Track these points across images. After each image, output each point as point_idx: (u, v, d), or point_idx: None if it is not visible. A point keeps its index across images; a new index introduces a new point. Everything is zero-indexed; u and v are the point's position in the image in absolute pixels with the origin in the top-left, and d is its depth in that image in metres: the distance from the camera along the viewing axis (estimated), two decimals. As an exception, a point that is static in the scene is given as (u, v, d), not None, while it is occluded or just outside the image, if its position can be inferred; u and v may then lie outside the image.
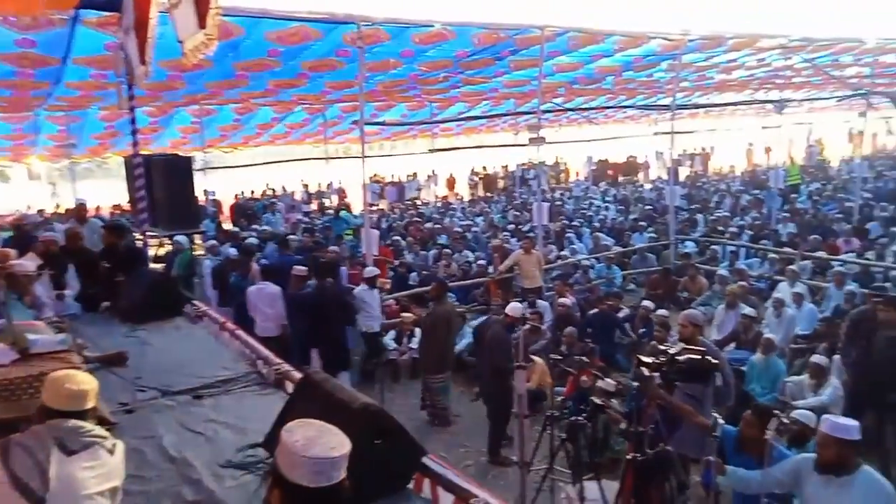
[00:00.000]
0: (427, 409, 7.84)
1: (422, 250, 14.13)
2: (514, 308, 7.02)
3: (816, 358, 6.90)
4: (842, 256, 11.60)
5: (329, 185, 20.47)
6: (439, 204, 22.28)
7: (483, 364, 7.03)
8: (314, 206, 22.83)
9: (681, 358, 4.34)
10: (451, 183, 27.29)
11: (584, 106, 18.62)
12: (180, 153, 15.17)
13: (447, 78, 12.65)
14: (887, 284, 10.03)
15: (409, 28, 9.09)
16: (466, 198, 24.99)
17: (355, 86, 9.34)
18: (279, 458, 1.73)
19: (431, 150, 19.67)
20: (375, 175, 27.88)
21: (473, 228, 16.34)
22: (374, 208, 22.70)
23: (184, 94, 12.87)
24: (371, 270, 8.75)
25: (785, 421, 3.72)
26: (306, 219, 18.82)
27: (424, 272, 12.35)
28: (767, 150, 27.27)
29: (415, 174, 27.55)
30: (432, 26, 9.06)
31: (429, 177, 24.69)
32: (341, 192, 22.70)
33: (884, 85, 18.68)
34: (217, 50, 3.87)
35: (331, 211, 19.11)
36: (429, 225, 17.11)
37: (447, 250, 13.22)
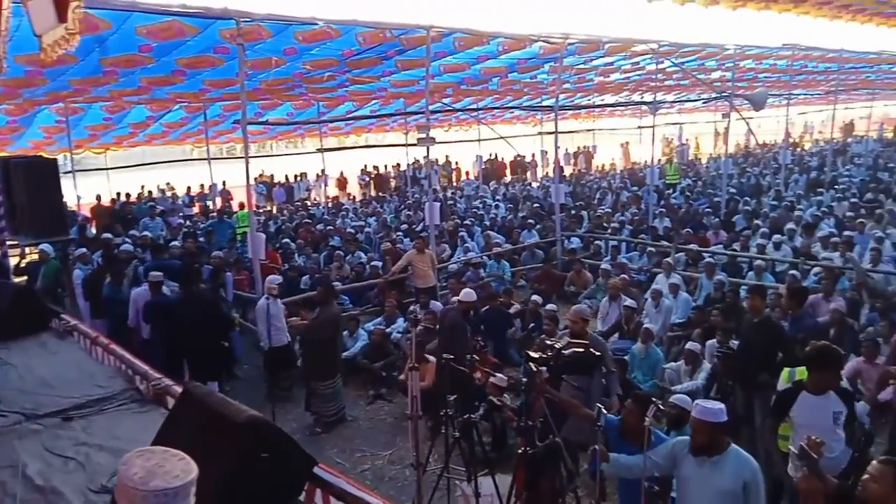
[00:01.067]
0: (314, 416, 7.63)
1: (313, 253, 13.83)
2: (468, 294, 7.42)
3: (690, 345, 7.35)
4: (711, 248, 12.42)
5: (212, 187, 19.59)
6: (330, 204, 21.89)
7: (440, 351, 7.01)
8: (197, 209, 21.82)
9: (566, 352, 4.48)
10: (341, 183, 26.90)
11: (472, 106, 18.91)
12: (44, 154, 14.04)
13: (333, 77, 12.45)
14: (749, 272, 10.89)
15: (292, 25, 8.86)
16: (358, 198, 24.73)
17: (236, 84, 8.97)
18: (117, 496, 1.59)
19: (320, 150, 19.33)
20: (262, 175, 27.08)
21: (366, 229, 16.19)
22: (262, 210, 22.12)
23: (46, 92, 11.91)
24: (273, 279, 8.38)
25: (661, 407, 3.91)
26: (188, 223, 17.96)
27: (316, 275, 12.10)
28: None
29: (304, 174, 26.96)
30: (316, 24, 8.87)
31: (318, 176, 24.15)
32: (226, 195, 21.80)
33: (743, 88, 20.27)
34: (82, 45, 3.58)
35: (214, 214, 18.33)
36: (320, 226, 16.80)
37: (339, 252, 13.02)
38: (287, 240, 14.60)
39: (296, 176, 27.01)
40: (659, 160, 22.85)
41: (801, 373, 4.74)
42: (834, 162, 23.48)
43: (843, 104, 30.46)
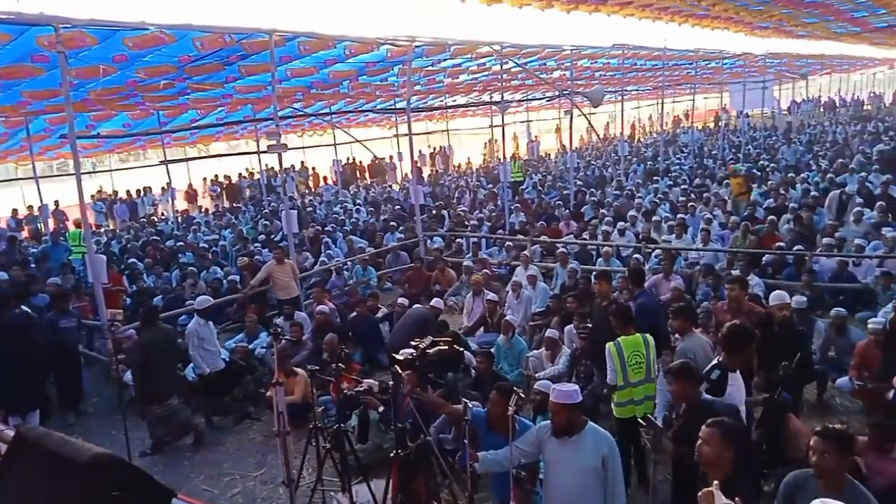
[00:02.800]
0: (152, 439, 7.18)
1: (164, 271, 13.01)
2: (438, 302, 8.47)
3: (549, 332, 7.67)
4: (563, 238, 13.08)
5: (41, 208, 17.84)
6: (180, 219, 20.68)
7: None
8: (26, 232, 19.77)
9: (431, 350, 4.52)
10: (190, 195, 25.46)
11: (324, 111, 18.63)
12: None
13: (172, 84, 11.77)
14: (598, 259, 11.58)
15: (120, 31, 8.25)
16: (210, 210, 23.54)
17: (61, 95, 8.21)
18: None
19: (164, 162, 18.21)
20: (101, 192, 25.08)
21: (221, 242, 15.45)
22: (103, 230, 20.49)
23: None
24: (205, 300, 8.11)
25: (522, 396, 4.05)
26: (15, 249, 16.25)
27: (170, 295, 11.40)
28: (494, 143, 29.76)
29: (148, 188, 25.29)
30: (147, 30, 8.32)
31: (164, 190, 22.68)
32: (59, 216, 19.91)
33: (582, 85, 21.56)
34: None
35: (47, 238, 16.72)
36: (170, 243, 15.83)
37: (192, 268, 12.34)
38: (133, 260, 13.62)
39: (139, 191, 25.26)
40: (511, 158, 23.72)
41: (626, 342, 5.22)
42: (666, 152, 25.55)
43: (670, 98, 33.32)
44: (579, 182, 19.79)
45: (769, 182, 17.08)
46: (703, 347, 5.41)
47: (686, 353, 5.26)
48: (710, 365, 4.46)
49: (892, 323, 6.42)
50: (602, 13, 13.87)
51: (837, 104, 45.57)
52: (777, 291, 6.28)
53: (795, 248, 10.59)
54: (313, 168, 29.86)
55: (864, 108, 45.11)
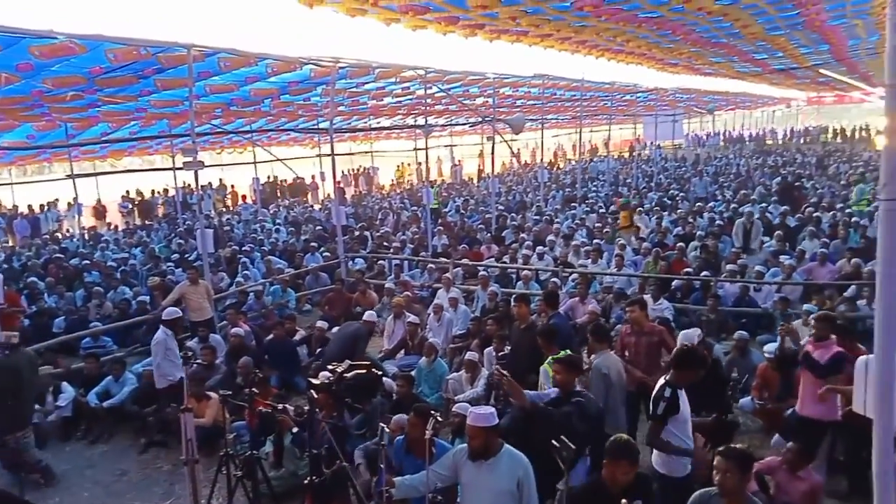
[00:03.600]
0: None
1: (67, 291, 12.31)
2: (371, 315, 8.52)
3: (469, 355, 7.71)
4: (485, 262, 13.25)
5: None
6: (86, 236, 19.65)
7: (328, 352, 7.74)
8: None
9: (349, 375, 4.46)
10: (99, 212, 24.26)
11: (244, 128, 18.25)
12: None
13: (81, 96, 11.25)
14: (518, 282, 11.79)
15: (25, 39, 7.82)
16: (120, 227, 22.48)
17: (-46, 102, 7.71)
18: None
19: (71, 176, 17.31)
20: (0, 206, 23.59)
21: (131, 261, 14.79)
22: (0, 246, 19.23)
23: None
24: (172, 312, 7.94)
25: (439, 419, 4.04)
26: None
27: (73, 317, 10.80)
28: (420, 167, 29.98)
29: (53, 203, 23.95)
30: (55, 39, 7.93)
31: (70, 205, 21.48)
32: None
33: (504, 112, 22.04)
34: None
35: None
36: (74, 261, 15.01)
37: (99, 288, 11.74)
38: (34, 278, 12.84)
39: (42, 206, 23.89)
40: (434, 181, 23.91)
41: (549, 366, 5.23)
42: (583, 179, 26.43)
43: (588, 128, 34.55)
44: (501, 206, 20.17)
45: (679, 210, 17.92)
46: (616, 365, 5.56)
47: (601, 369, 5.40)
48: (658, 385, 4.60)
49: (782, 349, 6.83)
50: (524, 44, 14.22)
51: (746, 138, 48.64)
52: (685, 332, 6.53)
53: (702, 273, 11.12)
54: (232, 186, 29.15)
55: (766, 142, 48.26)
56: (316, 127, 19.83)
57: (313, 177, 29.12)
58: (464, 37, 12.75)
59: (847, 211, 16.07)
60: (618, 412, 5.43)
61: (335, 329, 9.18)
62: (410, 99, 18.27)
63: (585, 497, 3.86)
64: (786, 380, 7.02)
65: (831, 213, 15.99)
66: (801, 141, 48.96)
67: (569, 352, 5.06)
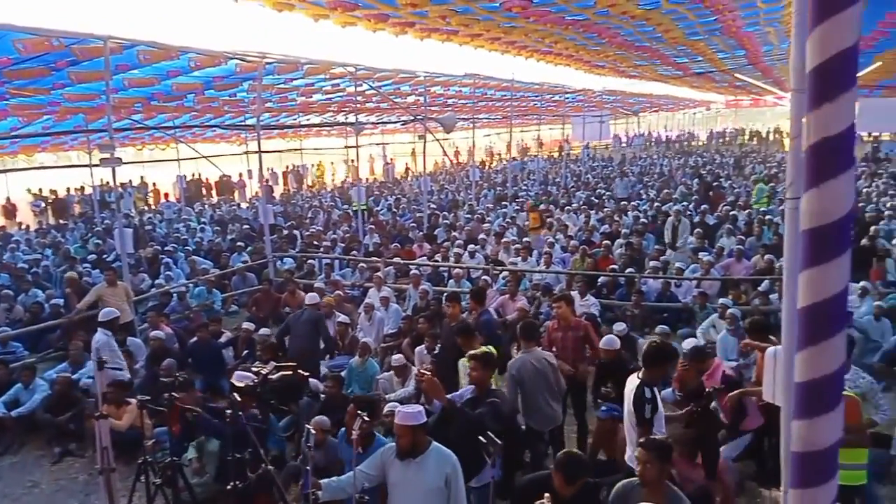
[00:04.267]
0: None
1: (-28, 295, 11.55)
2: (313, 297, 8.54)
3: (396, 357, 7.67)
4: (417, 260, 13.22)
5: None
6: (-5, 237, 18.52)
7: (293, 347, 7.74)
8: None
9: (274, 377, 4.35)
10: (8, 210, 22.90)
11: (166, 124, 17.60)
12: None
13: (-14, 87, 10.60)
14: (450, 280, 11.82)
15: (-80, 24, 7.30)
16: (32, 227, 21.27)
17: None
18: None
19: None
20: None
21: (43, 262, 14.02)
22: None
23: None
24: (109, 312, 7.79)
25: (366, 419, 4.00)
26: None
27: (-23, 322, 10.15)
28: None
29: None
30: (-45, 25, 7.43)
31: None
32: None
33: (436, 111, 22.09)
34: None
35: None
36: (-20, 263, 14.12)
37: (8, 291, 11.08)
38: (-67, 282, 12.01)
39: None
40: (366, 179, 23.71)
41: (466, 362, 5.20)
42: (514, 178, 26.76)
43: (519, 128, 35.03)
44: (433, 205, 20.18)
45: (605, 209, 18.38)
46: (540, 360, 5.64)
47: (511, 370, 5.54)
48: (635, 386, 4.60)
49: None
50: (454, 43, 14.29)
51: (669, 139, 50.42)
52: (607, 337, 6.71)
53: (627, 270, 11.44)
54: (154, 184, 28.08)
55: (688, 144, 50.18)
56: (243, 123, 19.33)
57: (240, 174, 28.33)
58: (394, 34, 12.70)
59: (762, 210, 16.87)
60: (544, 409, 5.53)
61: (263, 329, 8.97)
62: (341, 96, 18.05)
63: (532, 488, 3.90)
64: (703, 372, 7.29)
65: (747, 211, 16.75)
66: (720, 142, 51.17)
67: (490, 348, 5.10)
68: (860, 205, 17.16)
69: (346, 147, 22.51)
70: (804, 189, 1.23)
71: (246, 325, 9.25)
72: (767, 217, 14.99)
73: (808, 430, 1.29)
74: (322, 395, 7.12)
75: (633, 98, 37.14)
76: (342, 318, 9.26)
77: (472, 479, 4.39)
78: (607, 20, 12.69)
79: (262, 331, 8.91)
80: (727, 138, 52.60)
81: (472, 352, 5.24)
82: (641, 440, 3.88)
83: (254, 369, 4.38)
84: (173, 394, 4.44)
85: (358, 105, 15.00)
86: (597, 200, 20.44)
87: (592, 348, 6.61)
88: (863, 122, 22.10)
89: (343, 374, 7.64)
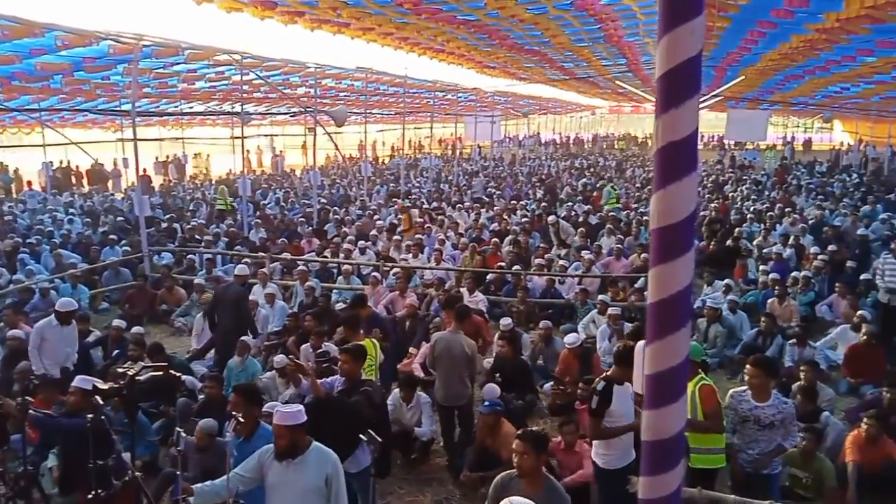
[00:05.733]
0: None
1: None
2: (242, 269, 8.69)
3: (278, 358, 7.44)
4: (305, 256, 12.94)
5: None
6: None
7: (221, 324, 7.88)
8: None
9: (142, 378, 4.10)
10: None
11: (31, 106, 16.22)
12: None
13: None
14: (339, 276, 11.66)
15: None
16: None
17: None
18: None
19: None
20: None
21: None
22: None
23: None
24: (67, 303, 7.47)
25: (241, 420, 3.86)
26: None
27: None
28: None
29: None
30: None
31: None
32: None
33: (328, 104, 21.71)
34: None
35: None
36: None
37: None
38: None
39: None
40: (249, 173, 22.93)
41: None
42: (407, 175, 26.79)
43: (412, 124, 35.09)
44: (323, 200, 19.85)
45: (495, 208, 18.78)
46: (459, 342, 6.16)
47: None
48: (599, 378, 4.79)
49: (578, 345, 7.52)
50: (346, 35, 14.08)
51: (556, 142, 52.27)
52: (568, 336, 7.07)
53: (514, 267, 11.74)
54: (16, 170, 25.86)
55: (573, 146, 52.29)
56: (118, 109, 18.13)
57: (115, 163, 26.61)
58: (283, 23, 12.35)
59: (640, 210, 17.83)
60: (454, 387, 6.17)
61: (136, 328, 8.47)
62: (226, 84, 17.34)
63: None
64: (584, 366, 7.62)
65: (626, 212, 17.65)
66: (604, 146, 53.67)
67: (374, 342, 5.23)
68: (726, 208, 18.55)
69: (233, 138, 21.62)
70: (654, 191, 1.29)
71: (116, 322, 8.69)
72: (645, 218, 15.85)
73: (656, 420, 1.35)
74: (201, 396, 6.83)
75: (523, 100, 38.17)
76: (224, 315, 8.88)
77: (350, 465, 4.43)
78: (497, 22, 12.96)
79: (136, 329, 8.40)
80: (608, 142, 55.31)
81: (345, 346, 5.30)
82: (518, 431, 3.98)
83: (119, 370, 4.11)
84: (27, 398, 4.08)
85: (244, 94, 14.45)
86: (487, 199, 20.85)
87: (485, 341, 7.08)
88: (731, 131, 23.93)
89: (224, 374, 7.37)
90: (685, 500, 4.44)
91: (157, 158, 29.19)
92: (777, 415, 4.92)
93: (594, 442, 4.96)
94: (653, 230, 1.30)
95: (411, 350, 8.27)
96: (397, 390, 6.85)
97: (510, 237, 14.15)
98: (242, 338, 7.85)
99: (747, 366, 5.17)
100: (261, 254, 12.61)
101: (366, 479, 4.60)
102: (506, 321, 8.71)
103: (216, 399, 6.53)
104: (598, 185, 23.30)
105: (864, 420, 5.68)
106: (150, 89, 16.02)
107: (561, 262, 12.13)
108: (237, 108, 19.43)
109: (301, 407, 3.80)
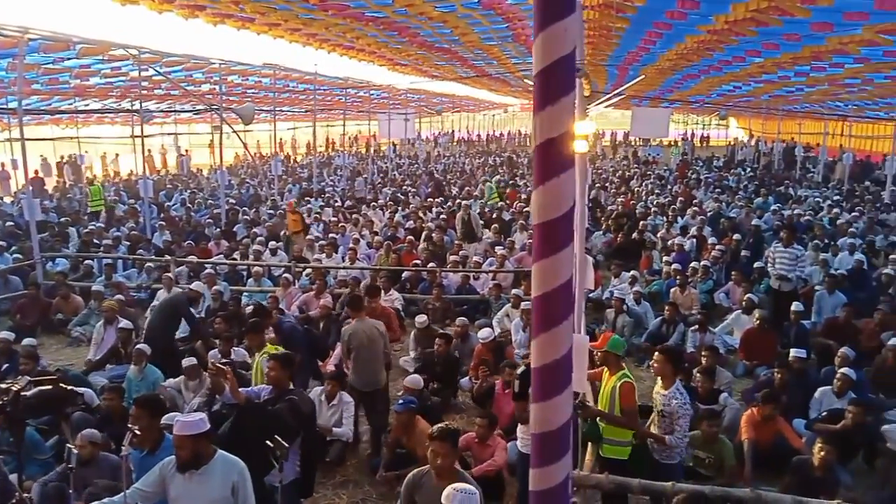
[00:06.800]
0: None
1: None
2: (198, 286, 9.09)
3: (186, 360, 7.19)
4: (213, 259, 12.50)
5: None
6: None
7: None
8: None
9: (28, 393, 3.83)
10: None
11: None
12: None
13: None
14: (249, 279, 11.34)
15: None
16: None
17: None
18: None
19: None
20: None
21: None
22: None
23: None
24: None
25: (138, 432, 3.68)
26: None
27: None
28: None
29: None
30: None
31: None
32: None
33: (235, 102, 21.06)
34: None
35: None
36: None
37: None
38: None
39: None
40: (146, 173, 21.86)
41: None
42: (321, 173, 26.35)
43: (324, 122, 34.57)
44: (232, 200, 19.23)
45: (410, 206, 18.77)
46: (370, 328, 6.53)
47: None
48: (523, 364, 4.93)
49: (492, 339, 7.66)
50: (251, 31, 13.66)
51: (474, 139, 52.82)
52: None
53: (429, 265, 11.77)
54: None
55: (487, 144, 53.00)
56: (3, 107, 16.88)
57: (3, 165, 24.81)
58: (183, 17, 11.85)
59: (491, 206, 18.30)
60: (368, 373, 6.49)
61: (28, 339, 7.93)
62: (124, 81, 16.48)
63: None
64: (498, 359, 7.75)
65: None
66: (517, 143, 54.68)
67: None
68: (632, 202, 19.29)
69: (133, 137, 20.54)
70: (534, 187, 1.31)
71: (4, 335, 8.09)
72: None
73: (543, 412, 1.37)
74: (100, 409, 6.47)
75: (437, 98, 38.33)
76: (124, 323, 8.46)
77: (275, 477, 4.29)
78: (406, 19, 12.91)
79: (27, 341, 7.88)
80: (519, 140, 56.43)
81: (274, 353, 5.17)
82: (431, 429, 3.99)
83: (2, 386, 3.82)
84: None
85: (144, 91, 13.78)
86: (403, 197, 20.81)
87: (395, 334, 7.48)
88: (636, 128, 24.89)
89: (123, 385, 7.02)
90: (593, 485, 4.60)
91: (43, 158, 27.44)
92: (666, 406, 4.95)
93: (518, 427, 5.05)
94: (534, 226, 1.32)
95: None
96: (319, 388, 6.78)
97: (425, 233, 14.19)
98: (138, 346, 7.51)
99: (655, 353, 5.33)
100: (165, 257, 12.09)
101: (292, 493, 4.48)
102: (421, 318, 8.77)
103: (117, 412, 6.23)
104: (510, 182, 23.73)
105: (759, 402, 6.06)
106: (39, 86, 15.01)
107: (475, 258, 12.25)
108: (137, 105, 18.56)
109: (203, 415, 3.66)
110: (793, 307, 8.83)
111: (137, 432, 3.57)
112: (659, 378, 5.17)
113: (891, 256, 11.88)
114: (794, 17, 8.47)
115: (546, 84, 1.26)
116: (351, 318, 6.81)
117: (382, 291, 9.83)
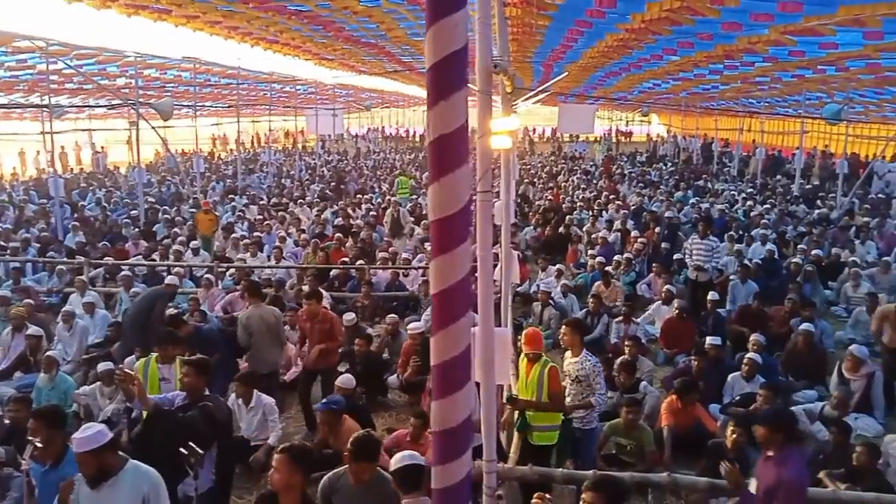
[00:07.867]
0: None
1: None
2: (172, 279, 8.97)
3: (102, 365, 6.89)
4: (131, 260, 12.00)
5: None
6: None
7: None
8: None
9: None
10: None
11: None
12: None
13: None
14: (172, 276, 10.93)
15: None
16: None
17: None
18: None
19: None
20: None
21: None
22: None
23: None
24: None
25: (39, 444, 3.48)
26: None
27: None
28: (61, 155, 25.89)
29: None
30: None
31: None
32: None
33: (153, 96, 20.24)
34: None
35: None
36: None
37: None
38: None
39: None
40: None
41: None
42: (246, 170, 25.70)
43: (249, 117, 33.71)
44: (152, 199, 18.50)
45: (340, 203, 18.55)
46: (266, 313, 7.22)
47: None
48: None
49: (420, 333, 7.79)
50: (168, 23, 13.16)
51: (402, 135, 52.61)
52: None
53: (357, 262, 11.65)
54: None
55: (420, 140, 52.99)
56: None
57: None
58: (94, 7, 11.32)
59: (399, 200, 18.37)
60: (266, 355, 7.11)
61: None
62: (31, 74, 15.59)
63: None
64: (426, 351, 7.74)
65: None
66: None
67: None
68: (561, 197, 19.67)
69: (42, 133, 19.48)
70: (429, 184, 1.29)
71: None
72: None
73: (442, 409, 1.36)
74: (6, 421, 6.11)
75: (366, 93, 37.99)
76: (33, 329, 8.01)
77: (190, 486, 4.15)
78: (331, 13, 12.73)
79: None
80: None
81: (188, 358, 4.99)
82: (353, 435, 3.94)
83: None
84: None
85: (54, 86, 13.06)
86: (331, 194, 20.53)
87: (335, 338, 7.15)
88: (563, 124, 25.41)
89: (32, 394, 6.64)
90: (517, 477, 4.66)
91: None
92: (581, 371, 5.41)
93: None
94: (430, 223, 1.31)
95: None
96: (234, 394, 6.58)
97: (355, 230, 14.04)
98: (48, 353, 7.14)
99: (563, 327, 5.78)
100: (79, 259, 11.52)
101: (208, 502, 4.33)
102: (349, 316, 8.66)
103: (23, 424, 5.88)
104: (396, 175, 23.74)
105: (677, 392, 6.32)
106: (-66, 78, 14.04)
107: (404, 254, 12.21)
108: (46, 100, 17.60)
109: (102, 427, 3.49)
110: (709, 296, 9.18)
111: (39, 445, 3.37)
112: (568, 350, 5.57)
113: (799, 246, 12.54)
114: (706, 16, 8.81)
115: (438, 79, 1.24)
116: (248, 304, 7.38)
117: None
